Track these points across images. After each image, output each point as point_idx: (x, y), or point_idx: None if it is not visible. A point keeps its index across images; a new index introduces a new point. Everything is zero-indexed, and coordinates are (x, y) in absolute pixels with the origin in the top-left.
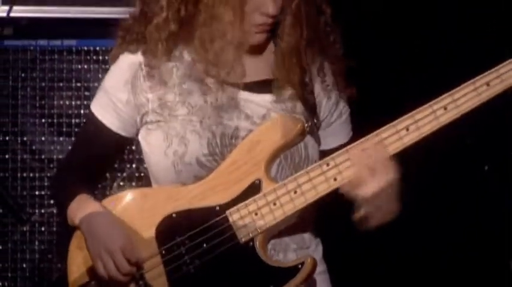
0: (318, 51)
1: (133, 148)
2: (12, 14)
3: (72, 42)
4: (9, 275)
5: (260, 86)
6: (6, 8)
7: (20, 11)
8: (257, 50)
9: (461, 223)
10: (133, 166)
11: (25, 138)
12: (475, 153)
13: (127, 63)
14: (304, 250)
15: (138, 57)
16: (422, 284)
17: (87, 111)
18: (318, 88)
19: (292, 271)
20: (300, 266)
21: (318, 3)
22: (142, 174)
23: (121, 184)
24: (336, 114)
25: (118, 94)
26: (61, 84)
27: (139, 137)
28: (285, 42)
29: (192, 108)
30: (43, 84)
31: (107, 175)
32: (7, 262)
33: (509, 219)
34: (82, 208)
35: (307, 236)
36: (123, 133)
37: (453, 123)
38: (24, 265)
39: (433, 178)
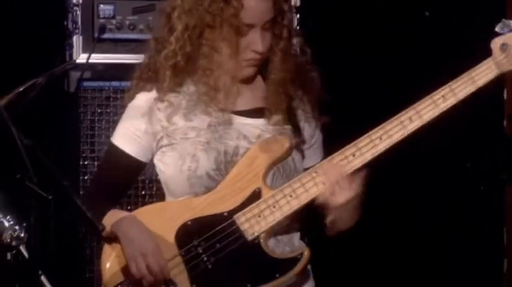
0: (300, 84)
1: None
2: (90, 61)
3: None
4: (87, 275)
5: (254, 113)
6: (86, 55)
7: (96, 58)
8: (249, 82)
9: (458, 233)
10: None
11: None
12: (473, 175)
13: (144, 99)
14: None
15: (152, 94)
16: None
17: None
18: (300, 115)
19: (293, 260)
20: (299, 256)
21: (301, 44)
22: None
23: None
24: (314, 139)
25: (137, 125)
26: None
27: (155, 160)
28: (275, 75)
29: (199, 131)
30: (115, 118)
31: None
32: (87, 265)
33: (500, 230)
34: (114, 217)
35: (297, 239)
36: (141, 159)
37: (456, 149)
38: (99, 268)
39: (438, 193)
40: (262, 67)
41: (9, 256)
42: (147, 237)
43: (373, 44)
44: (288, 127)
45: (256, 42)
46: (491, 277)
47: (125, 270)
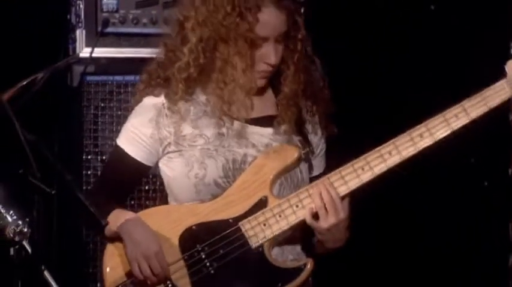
0: (310, 95)
1: None
2: (93, 55)
3: None
4: (90, 271)
5: (263, 121)
6: (89, 49)
7: (100, 52)
8: (260, 91)
9: (463, 230)
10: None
11: (104, 157)
12: (476, 170)
13: (151, 104)
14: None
15: (161, 99)
16: None
17: None
18: (308, 125)
19: (296, 270)
20: (303, 267)
21: (310, 54)
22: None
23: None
24: (320, 148)
25: (143, 130)
26: None
27: (161, 164)
28: (287, 88)
29: (208, 139)
30: (119, 112)
31: None
32: (90, 260)
33: (505, 226)
34: (119, 217)
35: (299, 248)
36: (145, 162)
37: (460, 144)
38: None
39: (440, 190)
40: (272, 76)
41: (12, 251)
42: (150, 239)
43: (374, 40)
44: (297, 137)
45: (269, 55)
46: (496, 272)
47: (127, 271)
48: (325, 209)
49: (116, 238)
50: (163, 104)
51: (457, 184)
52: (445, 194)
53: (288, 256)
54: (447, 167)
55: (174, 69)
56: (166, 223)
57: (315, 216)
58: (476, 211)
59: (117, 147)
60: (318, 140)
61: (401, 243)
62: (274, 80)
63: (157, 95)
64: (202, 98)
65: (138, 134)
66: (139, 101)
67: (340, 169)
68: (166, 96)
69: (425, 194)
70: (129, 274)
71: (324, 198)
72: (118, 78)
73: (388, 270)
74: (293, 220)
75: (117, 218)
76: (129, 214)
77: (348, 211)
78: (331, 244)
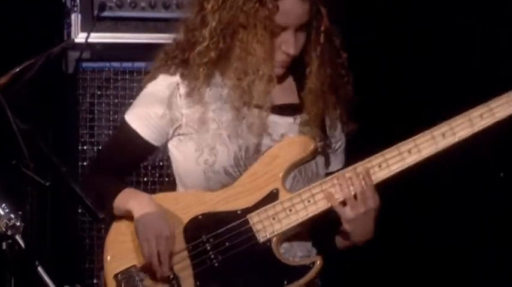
0: (334, 89)
1: None
2: (89, 40)
3: (141, 64)
4: (87, 266)
5: (282, 109)
6: (85, 34)
7: (96, 37)
8: (280, 78)
9: (478, 221)
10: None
11: (100, 148)
12: (492, 161)
13: (166, 83)
14: (308, 257)
15: (176, 79)
16: None
17: None
18: (328, 119)
19: (304, 269)
20: (311, 265)
21: (337, 48)
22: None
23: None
24: (339, 144)
25: (154, 108)
26: (131, 100)
27: (170, 145)
28: (313, 83)
29: (221, 124)
30: (116, 100)
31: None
32: (85, 255)
33: None
34: (132, 197)
35: (309, 245)
36: (153, 142)
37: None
38: (99, 257)
39: (454, 180)
40: (292, 65)
41: (4, 245)
42: (164, 222)
43: (395, 37)
44: (315, 130)
45: (288, 44)
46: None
47: (128, 259)
48: (355, 196)
49: (121, 221)
50: (177, 84)
51: (472, 175)
52: (459, 185)
53: (296, 252)
54: (462, 157)
55: (194, 53)
56: (173, 210)
57: (343, 204)
58: (492, 202)
59: (125, 123)
60: (338, 135)
61: (413, 234)
62: (295, 68)
63: (172, 74)
64: (219, 79)
65: (149, 112)
66: (153, 77)
67: (358, 164)
68: (181, 76)
69: (438, 185)
70: (131, 262)
71: (354, 185)
72: (115, 64)
73: (401, 261)
74: (304, 215)
75: (130, 198)
76: (141, 195)
77: (379, 201)
78: (357, 237)
